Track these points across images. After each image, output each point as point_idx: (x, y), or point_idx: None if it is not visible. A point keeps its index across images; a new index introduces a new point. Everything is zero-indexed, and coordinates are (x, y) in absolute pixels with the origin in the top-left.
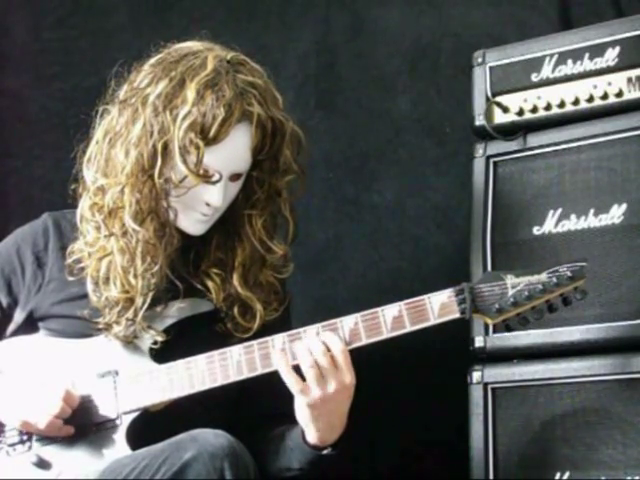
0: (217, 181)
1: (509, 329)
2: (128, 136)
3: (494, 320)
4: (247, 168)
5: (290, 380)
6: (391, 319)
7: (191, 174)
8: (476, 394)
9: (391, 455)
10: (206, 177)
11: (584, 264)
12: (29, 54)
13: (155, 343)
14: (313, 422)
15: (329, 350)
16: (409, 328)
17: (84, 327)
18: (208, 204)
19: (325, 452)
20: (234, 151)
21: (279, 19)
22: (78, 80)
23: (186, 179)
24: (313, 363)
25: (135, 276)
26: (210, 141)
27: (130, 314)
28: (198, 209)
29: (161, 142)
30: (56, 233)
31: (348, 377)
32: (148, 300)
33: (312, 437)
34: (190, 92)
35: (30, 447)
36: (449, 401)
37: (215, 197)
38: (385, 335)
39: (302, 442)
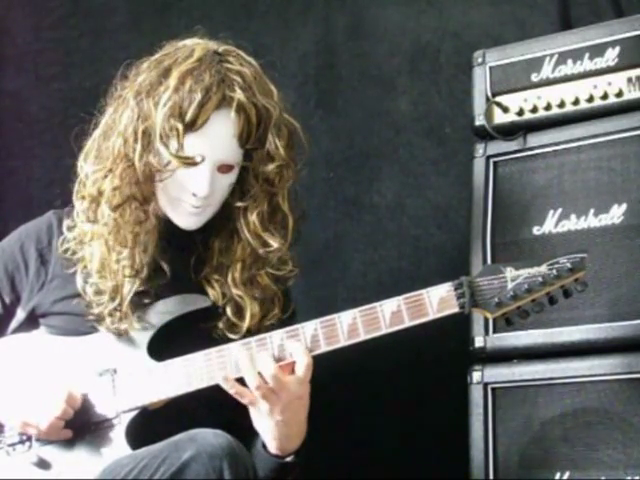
0: (199, 163)
1: (509, 323)
2: (118, 126)
3: (494, 314)
4: (237, 159)
5: (236, 393)
6: (390, 314)
7: (172, 157)
8: (476, 394)
9: (390, 455)
10: (188, 160)
11: (584, 255)
12: (29, 54)
13: (152, 339)
14: (268, 431)
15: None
16: (408, 323)
17: (84, 324)
18: (195, 194)
19: (287, 460)
20: (217, 138)
21: (279, 19)
22: (78, 80)
23: (169, 164)
24: (259, 384)
25: (117, 261)
26: (189, 124)
27: (117, 303)
28: (185, 199)
29: (142, 127)
30: (59, 230)
31: (302, 389)
32: (134, 288)
33: (271, 446)
34: (172, 79)
35: (30, 447)
36: (449, 401)
37: (200, 186)
38: (384, 330)
39: (263, 450)
